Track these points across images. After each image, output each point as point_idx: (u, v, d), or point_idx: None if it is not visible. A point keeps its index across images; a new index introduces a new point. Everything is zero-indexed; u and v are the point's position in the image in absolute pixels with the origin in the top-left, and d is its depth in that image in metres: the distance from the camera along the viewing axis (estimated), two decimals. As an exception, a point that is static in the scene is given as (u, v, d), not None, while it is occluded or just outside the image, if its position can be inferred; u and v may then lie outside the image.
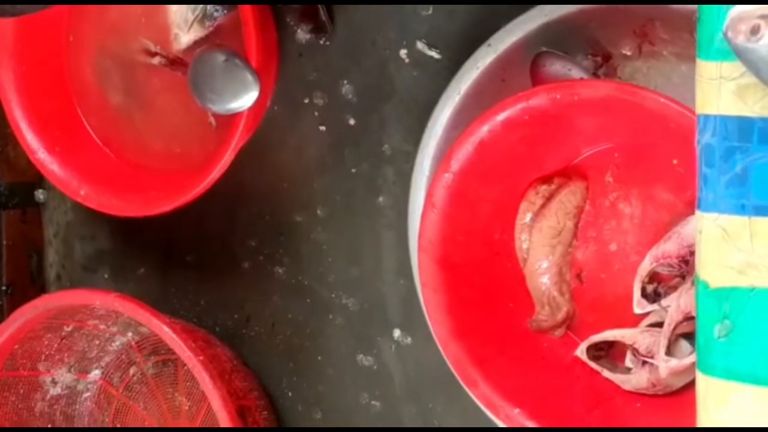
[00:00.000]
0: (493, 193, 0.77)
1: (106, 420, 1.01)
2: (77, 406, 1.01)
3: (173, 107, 0.92)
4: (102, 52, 0.94)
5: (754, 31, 0.51)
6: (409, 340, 0.90)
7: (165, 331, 0.87)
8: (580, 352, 0.77)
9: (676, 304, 0.71)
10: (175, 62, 0.90)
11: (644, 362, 0.74)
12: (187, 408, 0.98)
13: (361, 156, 0.90)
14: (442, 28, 0.85)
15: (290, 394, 0.96)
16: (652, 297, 0.74)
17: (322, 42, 0.89)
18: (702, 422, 0.58)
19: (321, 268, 0.93)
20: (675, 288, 0.73)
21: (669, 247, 0.72)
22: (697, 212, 0.57)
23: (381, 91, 0.88)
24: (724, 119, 0.55)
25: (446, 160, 0.74)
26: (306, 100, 0.91)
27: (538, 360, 0.78)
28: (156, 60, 0.90)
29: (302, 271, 0.94)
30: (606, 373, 0.76)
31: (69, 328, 0.96)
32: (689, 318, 0.70)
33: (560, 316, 0.78)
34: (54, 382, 0.98)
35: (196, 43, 0.88)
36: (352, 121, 0.90)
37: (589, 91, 0.70)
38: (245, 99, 0.82)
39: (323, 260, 0.93)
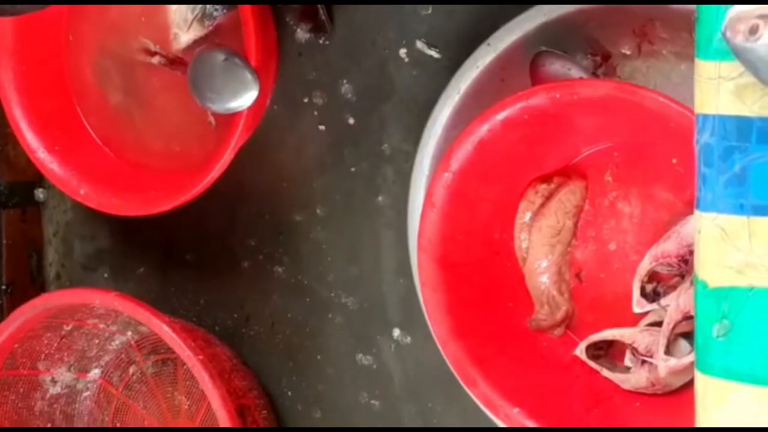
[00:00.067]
0: (493, 192, 0.77)
1: (106, 419, 1.01)
2: (77, 405, 1.01)
3: (173, 107, 0.92)
4: (102, 51, 0.94)
5: (753, 30, 0.51)
6: (408, 339, 0.90)
7: (164, 330, 0.87)
8: (580, 351, 0.77)
9: (675, 304, 0.71)
10: (175, 62, 0.90)
11: (643, 361, 0.74)
12: (186, 407, 0.99)
13: (360, 155, 0.90)
14: (442, 27, 0.85)
15: (290, 393, 0.96)
16: (652, 296, 0.74)
17: (321, 41, 0.90)
18: (701, 422, 0.58)
19: (320, 267, 0.93)
20: (674, 287, 0.73)
21: (668, 246, 0.72)
22: (696, 212, 0.57)
23: (380, 90, 0.88)
24: (723, 119, 0.55)
25: (446, 159, 0.74)
26: (305, 100, 0.91)
27: (538, 359, 0.78)
28: (155, 59, 0.90)
29: (302, 271, 0.94)
30: (605, 373, 0.76)
31: (69, 327, 0.96)
32: (688, 317, 0.70)
33: (559, 315, 0.78)
34: (54, 381, 0.98)
35: (196, 43, 0.88)
36: (351, 121, 0.90)
37: (589, 90, 0.70)
38: (245, 98, 0.82)
39: (323, 259, 0.93)
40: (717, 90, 0.55)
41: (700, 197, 0.57)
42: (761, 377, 0.55)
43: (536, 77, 0.77)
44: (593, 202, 0.78)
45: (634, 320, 0.75)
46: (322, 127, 0.91)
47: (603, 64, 0.78)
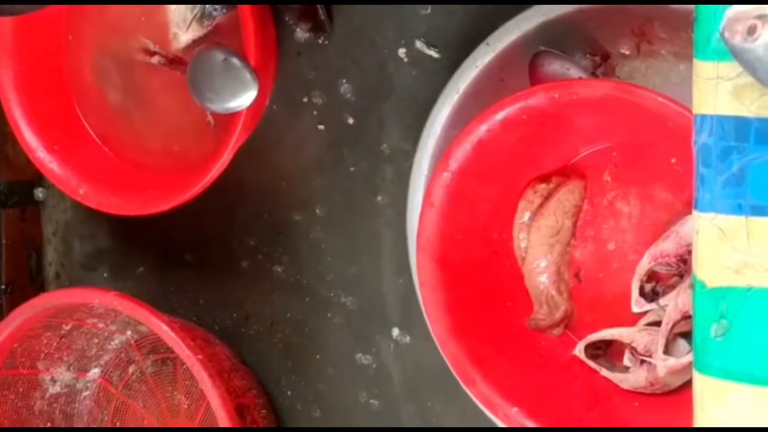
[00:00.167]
0: (492, 192, 0.77)
1: (106, 418, 1.01)
2: (76, 405, 1.01)
3: (172, 106, 0.92)
4: (101, 51, 0.94)
5: (751, 31, 0.51)
6: (407, 338, 0.90)
7: (164, 329, 0.87)
8: (579, 350, 0.77)
9: (674, 303, 0.71)
10: (174, 61, 0.90)
11: (642, 361, 0.74)
12: (186, 406, 0.99)
13: (359, 155, 0.90)
14: (441, 27, 0.85)
15: (289, 392, 0.96)
16: (650, 296, 0.74)
17: (320, 41, 0.90)
18: (699, 421, 0.58)
19: (320, 267, 0.93)
20: (673, 287, 0.73)
21: (667, 246, 0.72)
22: (694, 212, 0.57)
23: (380, 90, 0.88)
24: (721, 119, 0.55)
25: (445, 159, 0.74)
26: (305, 99, 0.91)
27: (537, 359, 0.78)
28: (155, 59, 0.90)
29: (301, 270, 0.94)
30: (604, 372, 0.76)
31: (68, 327, 0.96)
32: (687, 317, 0.70)
33: (558, 315, 0.78)
34: (53, 381, 0.98)
35: (195, 42, 0.88)
36: (350, 120, 0.90)
37: (588, 90, 0.70)
38: (244, 98, 0.82)
39: (322, 259, 0.93)
40: (715, 90, 0.55)
41: (699, 197, 0.57)
42: (759, 377, 0.55)
43: (535, 77, 0.77)
44: (592, 202, 0.78)
45: (632, 320, 0.75)
46: (321, 127, 0.91)
47: (602, 64, 0.78)
